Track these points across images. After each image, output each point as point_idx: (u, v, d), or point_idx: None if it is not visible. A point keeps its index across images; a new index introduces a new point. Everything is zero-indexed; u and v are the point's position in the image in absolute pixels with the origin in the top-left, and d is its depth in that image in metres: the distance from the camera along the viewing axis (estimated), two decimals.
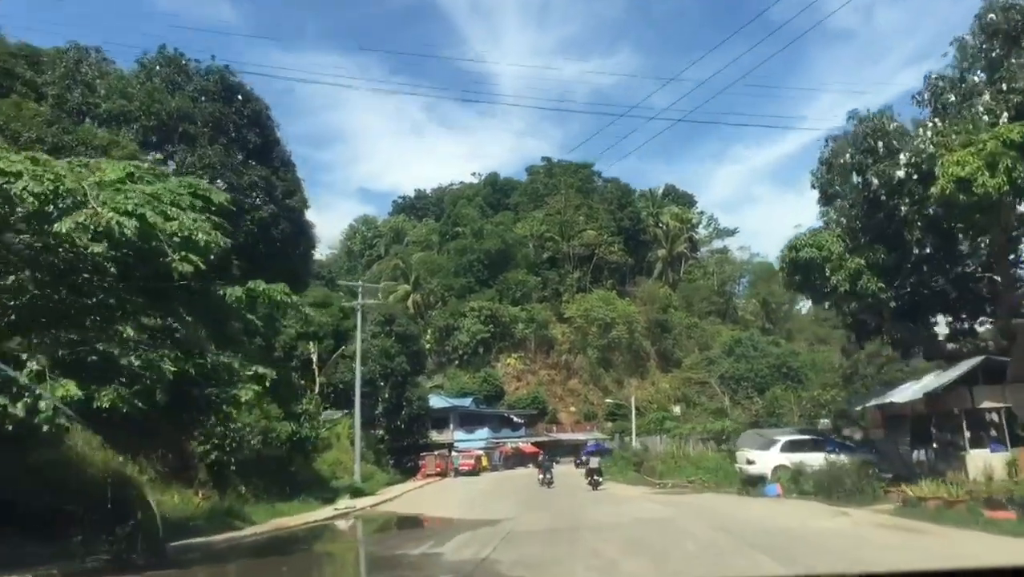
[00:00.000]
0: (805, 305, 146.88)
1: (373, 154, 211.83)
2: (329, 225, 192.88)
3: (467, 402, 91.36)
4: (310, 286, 68.88)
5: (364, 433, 63.46)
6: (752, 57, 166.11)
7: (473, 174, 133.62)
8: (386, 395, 62.92)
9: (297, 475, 39.24)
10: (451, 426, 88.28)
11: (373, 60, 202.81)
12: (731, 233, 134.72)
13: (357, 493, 44.44)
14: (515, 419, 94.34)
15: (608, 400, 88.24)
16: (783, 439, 30.37)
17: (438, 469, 65.05)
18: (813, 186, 30.32)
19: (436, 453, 66.93)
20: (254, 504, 30.52)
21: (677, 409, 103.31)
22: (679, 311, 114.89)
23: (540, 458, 75.35)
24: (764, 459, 29.69)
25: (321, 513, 29.57)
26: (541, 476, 48.74)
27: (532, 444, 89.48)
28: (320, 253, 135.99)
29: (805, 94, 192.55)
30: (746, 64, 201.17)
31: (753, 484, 29.27)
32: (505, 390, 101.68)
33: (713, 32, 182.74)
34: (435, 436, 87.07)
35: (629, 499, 31.71)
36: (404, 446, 68.98)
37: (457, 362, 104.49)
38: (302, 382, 56.74)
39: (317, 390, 55.58)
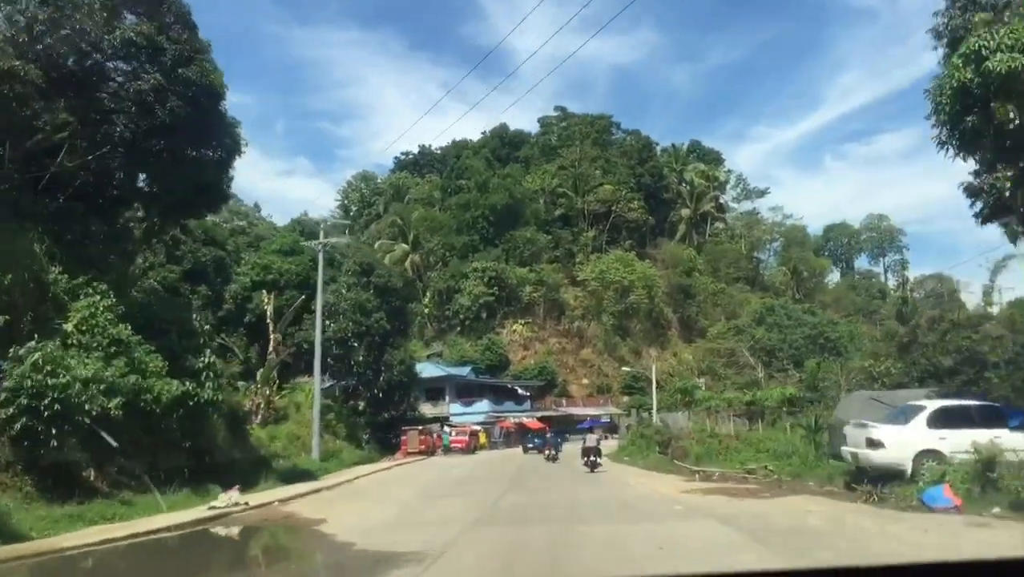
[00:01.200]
0: (833, 278, 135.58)
1: (390, 130, 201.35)
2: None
3: (465, 371, 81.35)
4: (260, 225, 58.79)
5: (336, 403, 53.62)
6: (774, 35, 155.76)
7: (482, 133, 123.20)
8: (360, 357, 52.80)
9: (211, 453, 29.21)
10: (447, 398, 78.35)
11: (391, 35, 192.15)
12: (761, 194, 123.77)
13: (300, 477, 34.62)
14: (520, 391, 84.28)
15: (625, 368, 77.79)
16: (931, 406, 18.63)
17: (422, 446, 55.11)
18: None
19: (420, 428, 56.87)
20: (102, 500, 20.54)
21: (702, 382, 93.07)
22: (704, 275, 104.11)
23: (548, 435, 66.40)
24: (900, 439, 17.73)
25: (166, 520, 19.36)
26: (549, 452, 45.65)
27: (538, 419, 79.39)
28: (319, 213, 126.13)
29: (827, 72, 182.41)
30: (767, 42, 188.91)
31: (878, 481, 17.93)
32: (510, 359, 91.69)
33: (735, 8, 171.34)
34: (428, 409, 77.26)
35: (653, 499, 21.28)
36: (388, 419, 59.15)
37: (458, 328, 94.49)
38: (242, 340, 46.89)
39: (272, 349, 45.52)
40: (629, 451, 48.83)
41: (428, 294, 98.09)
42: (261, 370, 44.77)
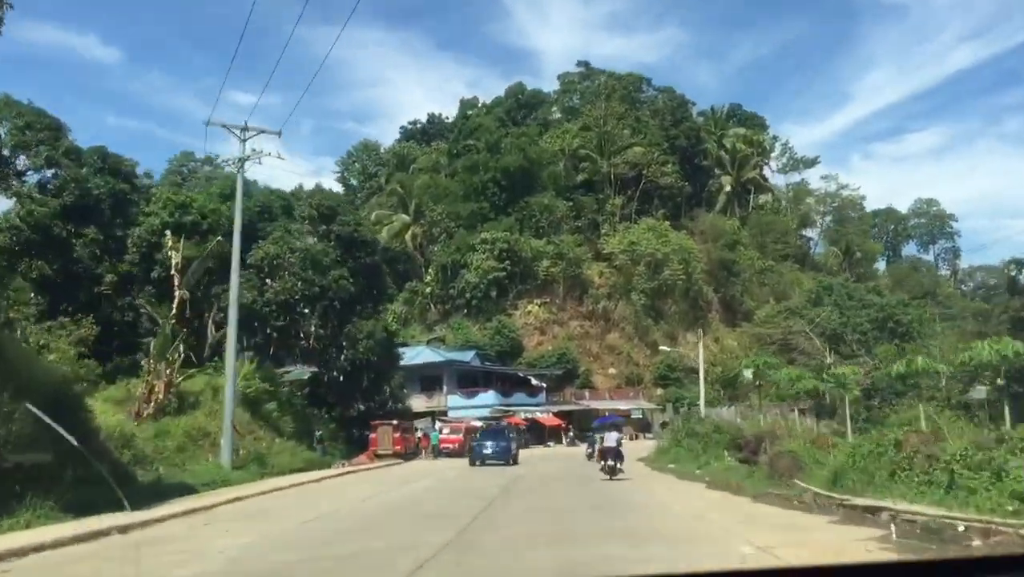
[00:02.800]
0: (878, 266, 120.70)
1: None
2: None
3: (468, 356, 68.20)
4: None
5: (281, 389, 40.67)
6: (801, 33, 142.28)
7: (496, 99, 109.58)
8: (312, 328, 39.74)
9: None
10: (444, 388, 65.25)
11: (416, 35, 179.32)
12: (811, 163, 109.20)
13: (171, 494, 21.97)
14: (534, 381, 70.97)
15: (664, 348, 63.77)
16: None
17: (398, 447, 42.03)
18: None
19: (396, 423, 43.76)
20: None
21: (748, 372, 79.21)
22: (748, 250, 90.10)
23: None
24: None
25: None
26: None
27: (555, 414, 66.09)
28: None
29: (855, 70, 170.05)
30: (794, 40, 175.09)
31: None
32: (524, 345, 78.46)
33: (760, 9, 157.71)
34: (423, 402, 64.34)
35: None
36: (362, 413, 46.29)
37: (464, 310, 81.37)
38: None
39: (172, 314, 32.59)
40: (675, 455, 35.49)
41: (431, 271, 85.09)
42: (153, 340, 31.85)
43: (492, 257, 79.86)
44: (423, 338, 78.30)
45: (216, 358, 36.66)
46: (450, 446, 48.74)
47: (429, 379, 66.32)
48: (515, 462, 38.38)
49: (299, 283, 39.22)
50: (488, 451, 38.40)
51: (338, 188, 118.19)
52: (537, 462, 40.35)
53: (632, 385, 77.27)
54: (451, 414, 62.87)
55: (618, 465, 26.98)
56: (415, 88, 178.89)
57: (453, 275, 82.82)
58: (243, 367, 36.17)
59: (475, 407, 63.30)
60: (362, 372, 42.15)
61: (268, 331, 38.84)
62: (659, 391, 77.58)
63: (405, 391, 65.29)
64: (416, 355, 67.36)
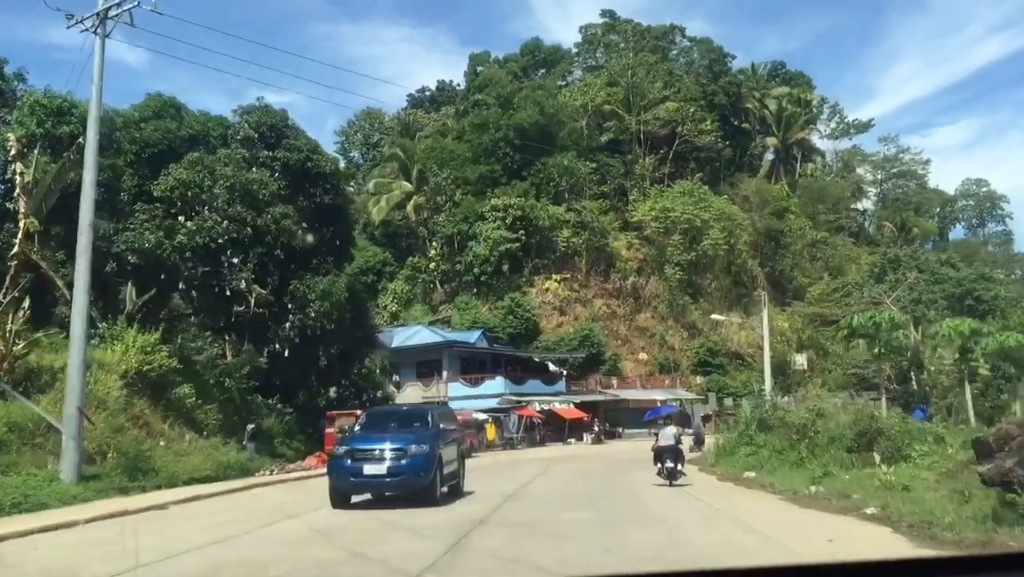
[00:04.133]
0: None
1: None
2: None
3: (473, 337, 57.51)
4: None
5: (206, 365, 30.17)
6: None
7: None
8: (243, 284, 29.05)
9: None
10: (443, 374, 54.57)
11: (442, 31, 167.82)
12: (865, 127, 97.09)
13: None
14: (551, 367, 60.13)
15: (716, 317, 51.99)
16: None
17: None
18: None
19: (360, 414, 32.95)
20: None
21: (802, 358, 68.16)
22: (799, 217, 78.60)
23: (595, 426, 44.19)
24: None
25: None
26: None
27: (577, 406, 55.26)
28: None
29: (881, 64, 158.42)
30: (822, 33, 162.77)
31: None
32: (541, 327, 67.70)
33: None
34: (418, 390, 53.86)
35: None
36: (330, 402, 35.80)
37: (473, 287, 70.74)
38: None
39: (15, 248, 22.16)
40: (750, 458, 24.53)
41: (434, 244, 74.41)
42: None
43: (504, 226, 69.21)
44: (427, 320, 67.77)
45: (103, 323, 26.18)
46: None
47: (426, 364, 55.79)
48: (451, 490, 18.21)
49: (224, 223, 28.54)
50: (374, 470, 16.07)
51: (339, 160, 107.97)
52: (554, 471, 29.61)
53: (667, 372, 66.22)
54: (453, 405, 52.10)
55: (678, 467, 20.85)
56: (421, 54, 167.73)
57: (460, 248, 72.25)
58: (136, 337, 25.66)
59: (481, 396, 52.67)
60: (316, 346, 31.44)
61: (184, 287, 28.30)
62: (698, 379, 66.56)
63: (396, 378, 54.90)
64: (412, 336, 56.94)
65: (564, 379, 58.43)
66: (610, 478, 25.26)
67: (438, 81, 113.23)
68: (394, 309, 75.04)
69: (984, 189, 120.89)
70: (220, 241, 28.45)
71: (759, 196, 76.88)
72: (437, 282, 74.91)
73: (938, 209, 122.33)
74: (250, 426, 28.95)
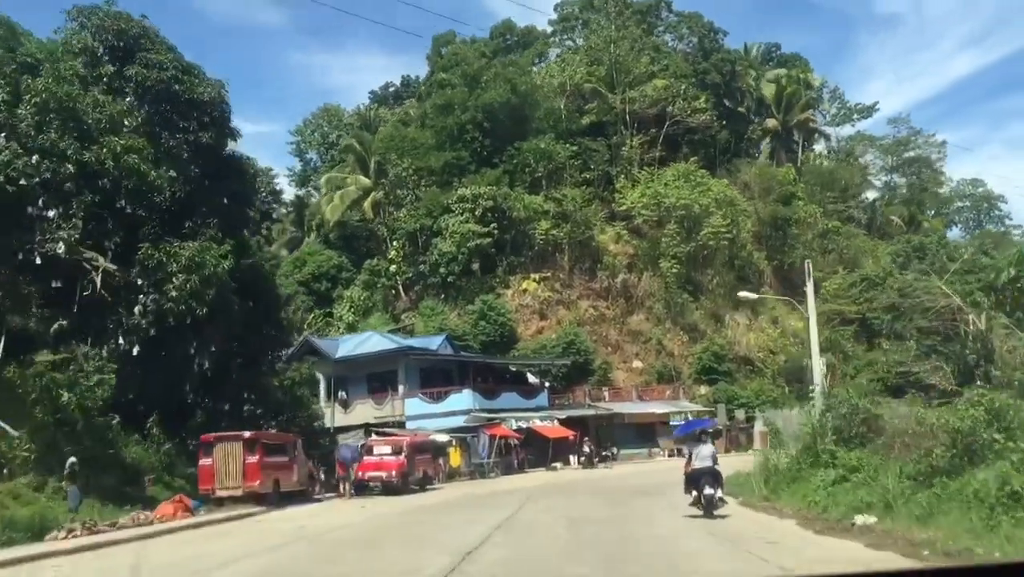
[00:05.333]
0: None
1: None
2: None
3: (435, 343, 47.89)
4: None
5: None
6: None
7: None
8: (64, 247, 19.36)
9: None
10: (400, 387, 44.86)
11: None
12: (868, 112, 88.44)
13: None
14: (531, 378, 50.63)
15: (745, 295, 41.74)
16: None
17: (252, 482, 21.68)
18: None
19: (250, 436, 23.23)
20: None
21: (822, 363, 58.76)
22: (808, 204, 69.58)
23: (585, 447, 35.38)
24: None
25: None
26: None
27: (562, 422, 45.69)
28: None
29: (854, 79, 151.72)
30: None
31: None
32: (518, 333, 58.20)
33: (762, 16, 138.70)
34: (369, 409, 44.26)
35: None
36: (225, 424, 26.12)
37: (439, 291, 61.33)
38: None
39: None
40: (855, 491, 14.80)
41: (395, 244, 64.88)
42: None
43: (473, 219, 59.85)
44: (382, 328, 58.12)
45: None
46: (379, 476, 28.26)
47: (379, 377, 46.10)
48: None
49: (34, 157, 18.92)
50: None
51: (294, 162, 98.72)
52: (528, 515, 20.24)
53: (665, 381, 56.73)
54: (411, 425, 42.47)
55: (718, 494, 16.54)
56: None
57: (424, 247, 62.77)
58: None
59: (445, 414, 42.90)
60: (184, 341, 21.77)
61: None
62: (703, 389, 57.13)
63: (342, 394, 45.25)
64: (361, 344, 47.29)
65: (546, 391, 48.83)
66: (620, 527, 15.75)
67: (402, 76, 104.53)
68: (351, 319, 65.31)
69: (980, 189, 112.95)
70: (23, 183, 18.86)
71: (762, 181, 67.85)
72: (400, 287, 65.34)
73: (932, 212, 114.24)
74: (71, 460, 19.16)
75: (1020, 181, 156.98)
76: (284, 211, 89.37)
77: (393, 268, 64.78)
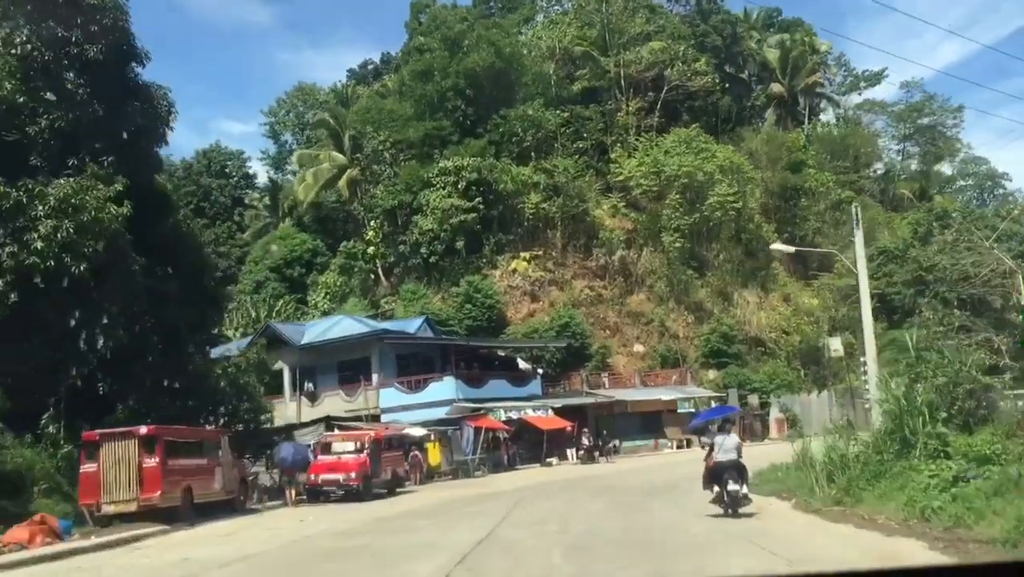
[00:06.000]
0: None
1: None
2: None
3: (414, 327, 42.76)
4: None
5: None
6: None
7: None
8: None
9: None
10: (374, 376, 39.60)
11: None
12: (877, 79, 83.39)
13: None
14: (522, 364, 45.50)
15: (778, 248, 36.04)
16: None
17: (151, 493, 16.38)
18: None
19: (147, 432, 17.78)
20: None
21: (837, 343, 53.92)
22: (820, 172, 64.46)
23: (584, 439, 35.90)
24: None
25: None
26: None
27: (557, 412, 40.46)
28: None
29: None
30: None
31: None
32: (507, 316, 53.13)
33: None
34: (340, 400, 39.00)
35: None
36: (152, 418, 20.75)
37: (423, 274, 56.26)
38: None
39: None
40: (945, 495, 9.30)
41: (373, 224, 59.56)
42: None
43: (456, 193, 54.59)
44: (361, 313, 52.91)
45: None
46: (335, 479, 23.03)
47: (351, 365, 40.85)
48: None
49: None
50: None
51: (268, 144, 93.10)
52: (516, 528, 14.96)
53: (670, 365, 51.58)
54: (386, 418, 37.23)
55: (743, 490, 14.67)
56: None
57: (404, 226, 57.53)
58: None
59: (425, 405, 37.66)
60: (66, 309, 16.45)
61: None
62: (711, 374, 52.03)
63: (309, 386, 40.08)
64: (329, 328, 42.04)
65: (539, 379, 43.63)
66: (645, 555, 10.49)
67: (382, 54, 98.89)
68: (326, 307, 59.94)
69: (984, 167, 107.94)
70: None
71: (770, 148, 62.65)
72: (380, 271, 60.01)
73: (936, 191, 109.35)
74: None
75: None
76: (257, 195, 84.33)
77: (371, 250, 59.51)
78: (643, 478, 27.53)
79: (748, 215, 58.29)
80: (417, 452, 29.91)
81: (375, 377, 39.63)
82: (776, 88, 70.70)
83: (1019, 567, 2.96)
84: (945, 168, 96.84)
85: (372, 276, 60.44)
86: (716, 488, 14.99)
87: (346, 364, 40.80)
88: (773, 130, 65.23)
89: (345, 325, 42.18)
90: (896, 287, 56.77)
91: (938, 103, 72.90)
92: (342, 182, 64.49)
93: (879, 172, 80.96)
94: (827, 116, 78.84)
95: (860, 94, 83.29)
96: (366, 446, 23.79)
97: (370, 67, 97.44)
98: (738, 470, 14.87)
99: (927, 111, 73.08)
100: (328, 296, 61.25)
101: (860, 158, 73.91)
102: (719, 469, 14.95)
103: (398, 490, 26.04)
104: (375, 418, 37.39)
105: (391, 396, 38.92)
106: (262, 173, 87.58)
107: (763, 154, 62.66)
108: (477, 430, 34.68)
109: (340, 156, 65.52)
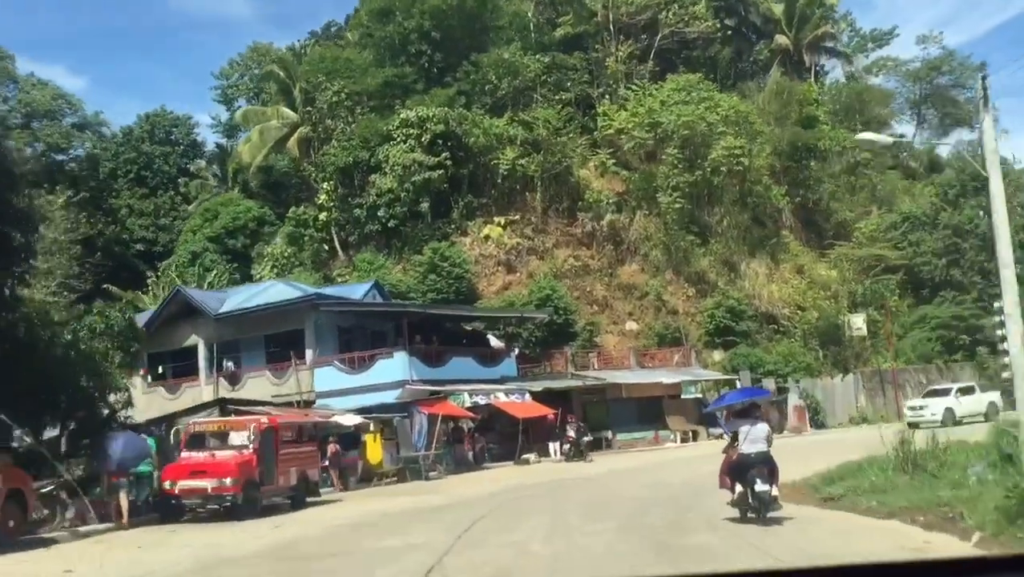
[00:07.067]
0: None
1: None
2: None
3: (359, 292, 35.02)
4: None
5: None
6: None
7: None
8: None
9: None
10: (308, 352, 31.62)
11: None
12: (886, 39, 76.35)
13: None
14: (493, 340, 37.82)
15: (867, 137, 28.16)
16: None
17: None
18: None
19: None
20: None
21: (860, 320, 46.89)
22: (835, 129, 57.16)
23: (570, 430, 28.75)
24: None
25: None
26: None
27: (536, 397, 32.79)
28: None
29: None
30: None
31: None
32: (479, 289, 45.66)
33: None
34: (267, 383, 31.12)
35: None
36: None
37: (382, 241, 48.84)
38: None
39: None
40: None
41: (326, 187, 51.68)
42: None
43: (420, 147, 46.89)
44: (308, 280, 45.01)
45: None
46: (200, 488, 15.24)
47: (281, 340, 32.91)
48: None
49: None
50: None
51: (220, 110, 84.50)
52: None
53: (668, 344, 44.02)
54: (324, 404, 29.37)
55: (773, 492, 12.19)
56: None
57: (361, 187, 49.81)
58: None
59: (369, 388, 29.84)
60: None
61: None
62: (716, 355, 44.55)
63: (228, 365, 32.40)
64: (256, 295, 34.20)
65: (513, 357, 35.96)
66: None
67: (346, 16, 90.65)
68: (273, 279, 52.09)
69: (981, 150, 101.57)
70: None
71: (779, 101, 55.21)
72: (335, 240, 52.18)
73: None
74: None
75: None
76: (204, 164, 76.30)
77: (323, 216, 51.68)
78: (653, 479, 20.04)
79: (755, 176, 50.80)
80: (336, 446, 22.16)
81: (309, 354, 31.76)
82: (781, 40, 63.21)
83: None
84: (966, 136, 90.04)
85: (326, 246, 52.61)
86: (739, 488, 12.41)
87: (275, 338, 32.94)
88: (783, 79, 57.64)
89: (276, 291, 34.33)
90: (926, 256, 49.52)
91: (958, 60, 65.77)
92: (292, 141, 56.58)
93: (898, 136, 73.73)
94: (836, 75, 71.54)
95: (868, 56, 76.22)
96: (253, 438, 15.99)
97: (333, 28, 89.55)
98: (768, 466, 12.37)
99: (946, 68, 65.93)
100: (275, 269, 53.35)
101: (871, 123, 66.57)
102: (744, 464, 12.36)
103: (309, 500, 18.29)
104: (310, 404, 29.62)
105: (329, 377, 31.08)
106: (213, 142, 79.28)
107: (770, 114, 55.07)
108: (432, 418, 26.92)
109: (291, 112, 57.51)
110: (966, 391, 35.14)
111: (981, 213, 49.91)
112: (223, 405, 22.12)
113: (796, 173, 54.44)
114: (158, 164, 70.51)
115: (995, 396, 34.88)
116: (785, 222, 53.24)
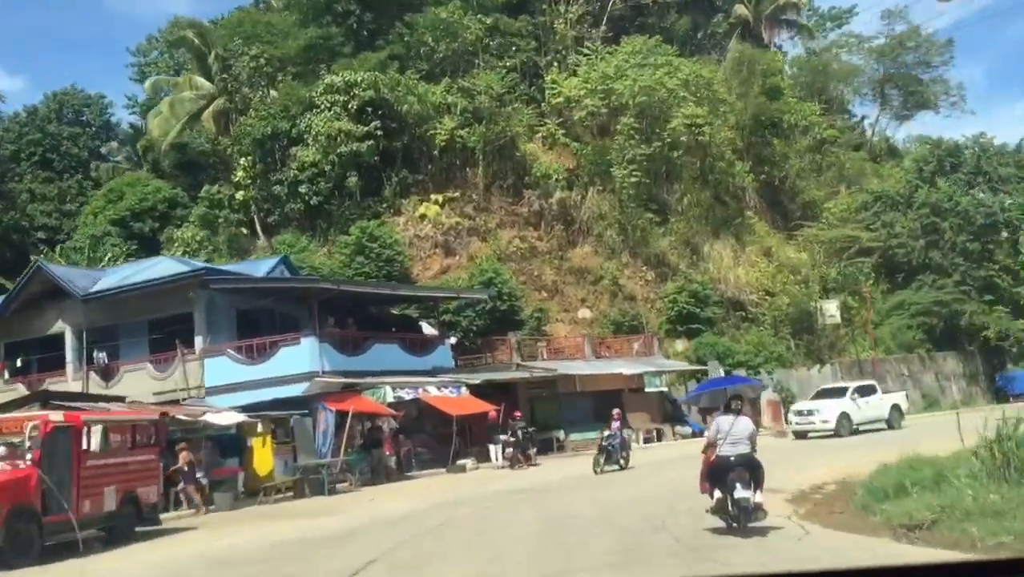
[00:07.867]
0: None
1: None
2: None
3: (263, 268, 29.42)
4: None
5: None
6: None
7: None
8: None
9: None
10: (198, 340, 25.84)
11: None
12: (845, 17, 73.13)
13: None
14: (427, 327, 32.59)
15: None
16: None
17: None
18: None
19: None
20: None
21: (833, 306, 42.65)
22: (801, 102, 53.17)
23: (517, 432, 24.14)
24: None
25: None
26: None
27: (473, 391, 27.53)
28: None
29: None
30: None
31: None
32: (413, 273, 40.48)
33: None
34: (147, 377, 25.13)
35: None
36: None
37: (305, 223, 43.42)
38: None
39: None
40: None
41: (243, 163, 46.04)
42: None
43: (347, 115, 41.62)
44: (221, 261, 39.24)
45: None
46: None
47: (166, 325, 27.25)
48: None
49: None
50: None
51: (138, 91, 77.67)
52: None
53: (625, 331, 39.25)
54: (215, 400, 23.86)
55: (755, 499, 10.84)
56: None
57: (281, 161, 44.36)
58: None
59: (272, 382, 24.41)
60: None
61: None
62: (678, 344, 39.93)
63: (100, 357, 26.67)
64: (139, 272, 28.49)
65: (448, 345, 30.79)
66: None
67: None
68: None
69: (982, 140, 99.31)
70: None
71: (741, 75, 50.92)
72: (255, 222, 46.54)
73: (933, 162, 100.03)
74: None
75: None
76: (116, 145, 69.88)
77: (240, 195, 46.01)
78: (632, 495, 15.06)
79: (718, 152, 46.44)
80: (188, 453, 16.88)
81: (199, 341, 26.20)
82: (740, 11, 59.07)
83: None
84: (930, 116, 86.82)
85: (244, 229, 46.98)
86: (717, 493, 10.96)
87: (159, 324, 27.33)
88: (745, 47, 53.35)
89: (162, 268, 28.65)
90: (901, 238, 45.57)
91: (923, 37, 62.35)
92: (207, 114, 50.71)
93: (857, 118, 70.49)
94: (797, 52, 67.80)
95: (826, 36, 72.74)
96: (31, 445, 10.61)
97: (261, 5, 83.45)
98: (750, 469, 10.83)
99: (909, 46, 62.44)
100: (187, 255, 47.48)
101: (832, 102, 62.98)
102: (722, 467, 10.87)
103: (143, 530, 12.92)
104: (176, 403, 24.07)
105: (223, 369, 25.56)
106: (128, 123, 72.90)
107: (732, 88, 50.71)
108: (341, 416, 21.62)
109: (206, 82, 51.70)
110: (865, 391, 29.18)
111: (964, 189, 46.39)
112: (45, 400, 16.69)
113: (760, 149, 50.22)
114: (66, 146, 64.30)
115: (899, 398, 30.25)
116: (749, 201, 48.96)
